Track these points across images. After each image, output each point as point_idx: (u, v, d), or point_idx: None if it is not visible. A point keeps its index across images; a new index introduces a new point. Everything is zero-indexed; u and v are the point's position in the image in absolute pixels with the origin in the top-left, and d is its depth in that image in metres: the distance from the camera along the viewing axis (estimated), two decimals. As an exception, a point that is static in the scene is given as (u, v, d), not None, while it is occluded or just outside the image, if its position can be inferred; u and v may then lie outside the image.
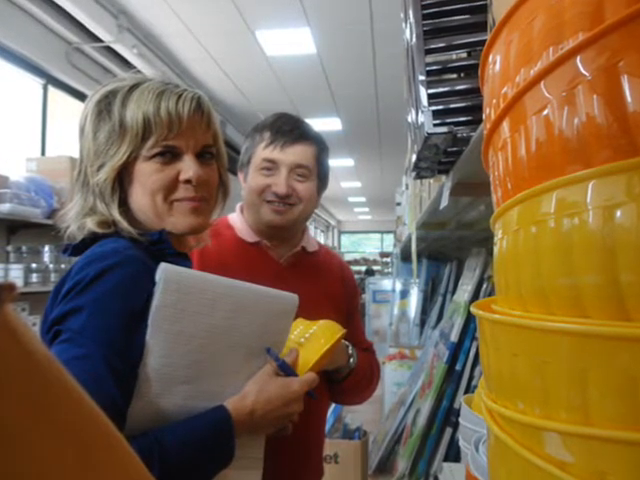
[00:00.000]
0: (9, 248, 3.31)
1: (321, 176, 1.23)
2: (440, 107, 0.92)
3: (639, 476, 0.33)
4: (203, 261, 1.11)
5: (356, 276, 2.01)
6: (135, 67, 4.16)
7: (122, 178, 0.81)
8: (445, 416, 1.67)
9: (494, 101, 0.48)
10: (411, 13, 0.97)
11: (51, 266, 3.40)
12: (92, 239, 0.80)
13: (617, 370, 0.33)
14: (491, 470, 0.49)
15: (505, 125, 0.45)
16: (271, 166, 1.16)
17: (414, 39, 0.96)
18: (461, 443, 0.82)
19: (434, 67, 0.95)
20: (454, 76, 1.00)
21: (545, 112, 0.39)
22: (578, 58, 0.36)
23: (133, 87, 0.81)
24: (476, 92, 0.87)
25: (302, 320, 1.02)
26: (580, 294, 0.36)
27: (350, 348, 1.19)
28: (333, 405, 2.27)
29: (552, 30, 0.39)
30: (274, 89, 6.04)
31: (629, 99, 0.34)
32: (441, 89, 0.94)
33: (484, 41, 0.50)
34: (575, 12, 0.38)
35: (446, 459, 1.60)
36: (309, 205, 1.20)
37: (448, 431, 1.63)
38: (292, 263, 1.22)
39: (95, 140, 0.81)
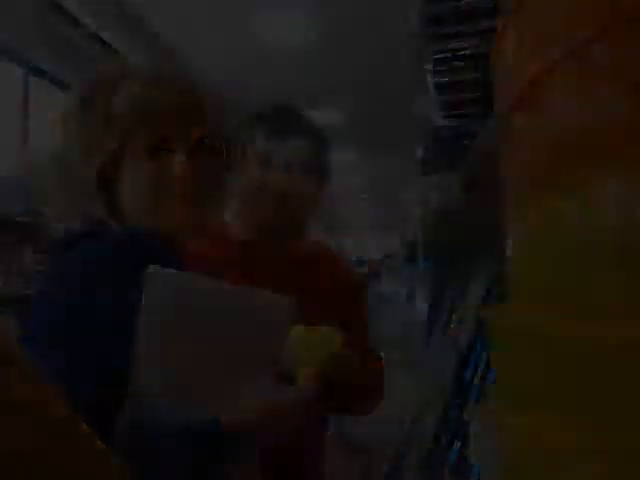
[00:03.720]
0: (-13, 249, 3.30)
1: (321, 171, 1.23)
2: (448, 98, 0.92)
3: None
4: (194, 262, 1.10)
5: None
6: (121, 54, 4.16)
7: (109, 173, 0.81)
8: (454, 428, 1.68)
9: (506, 91, 0.48)
10: (418, -3, 0.97)
11: (32, 268, 3.39)
12: (75, 239, 0.80)
13: None
14: (504, 486, 0.49)
15: (519, 117, 0.45)
16: (267, 161, 1.16)
17: (421, 25, 0.96)
18: (471, 458, 0.82)
19: (442, 55, 0.95)
20: (463, 65, 1.00)
21: (563, 102, 0.39)
22: (598, 45, 0.36)
23: (119, 76, 0.81)
24: (487, 82, 0.87)
25: (300, 326, 1.01)
26: (599, 297, 0.36)
27: (352, 356, 1.18)
28: (333, 417, 2.27)
29: (570, 16, 0.39)
30: (270, 78, 6.03)
31: (652, 89, 0.34)
32: (449, 79, 0.94)
33: (495, 27, 0.50)
34: (594, -4, 0.38)
35: (455, 475, 1.59)
36: (308, 202, 1.19)
37: (457, 445, 1.63)
38: (290, 264, 1.22)
39: (79, 133, 0.80)
